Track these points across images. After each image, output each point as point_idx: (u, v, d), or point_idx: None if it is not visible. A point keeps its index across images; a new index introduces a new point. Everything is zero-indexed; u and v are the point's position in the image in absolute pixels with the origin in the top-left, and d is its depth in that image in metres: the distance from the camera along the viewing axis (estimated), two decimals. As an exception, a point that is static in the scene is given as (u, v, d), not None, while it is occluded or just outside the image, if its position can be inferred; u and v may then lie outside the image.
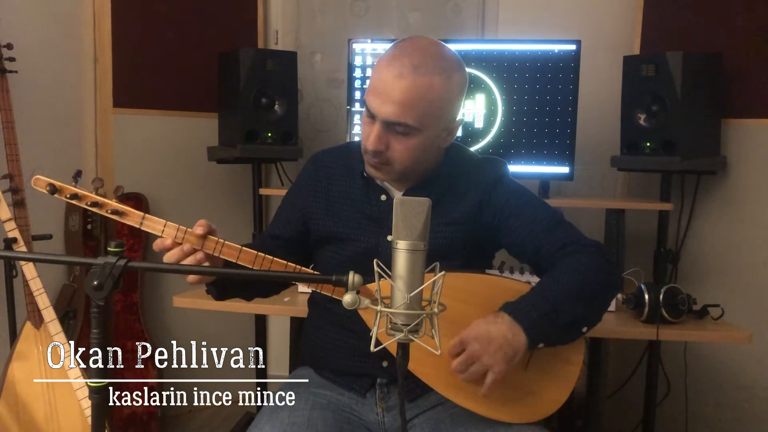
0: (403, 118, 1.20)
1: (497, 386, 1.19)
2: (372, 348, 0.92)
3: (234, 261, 1.19)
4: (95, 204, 1.14)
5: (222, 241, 1.17)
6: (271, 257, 1.20)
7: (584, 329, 1.23)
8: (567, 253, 1.26)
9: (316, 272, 1.26)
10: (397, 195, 1.35)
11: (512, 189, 1.37)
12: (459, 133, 2.27)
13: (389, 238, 1.31)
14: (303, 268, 1.22)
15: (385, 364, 1.33)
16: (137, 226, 1.16)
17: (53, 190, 1.12)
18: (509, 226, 1.33)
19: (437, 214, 0.93)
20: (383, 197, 1.36)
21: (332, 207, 1.39)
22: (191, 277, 1.18)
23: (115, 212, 1.15)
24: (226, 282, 1.30)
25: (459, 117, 1.30)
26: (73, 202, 1.13)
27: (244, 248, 1.19)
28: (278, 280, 1.38)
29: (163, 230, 1.16)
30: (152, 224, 1.16)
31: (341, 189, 1.40)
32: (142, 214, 1.16)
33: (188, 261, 1.16)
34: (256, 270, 1.19)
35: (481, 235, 1.34)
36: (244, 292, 1.41)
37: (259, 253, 1.19)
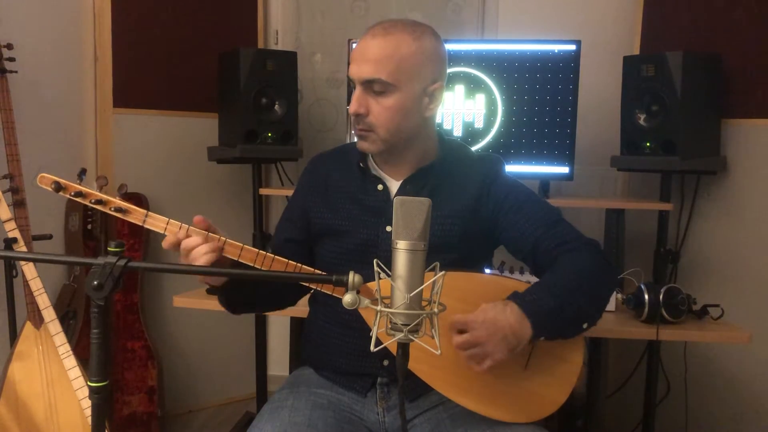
0: (377, 74, 1.25)
1: (498, 385, 1.19)
2: (372, 348, 0.92)
3: (236, 259, 1.19)
4: (99, 201, 1.16)
5: (223, 238, 1.18)
6: (273, 255, 1.20)
7: (585, 325, 1.23)
8: (566, 250, 1.27)
9: (316, 271, 1.26)
10: (394, 185, 1.37)
11: (511, 185, 1.38)
12: (459, 132, 2.28)
13: (389, 228, 1.32)
14: (304, 266, 1.22)
15: (386, 363, 1.33)
16: (140, 224, 1.17)
17: (58, 187, 1.14)
18: (508, 221, 1.33)
19: (434, 207, 0.93)
20: (380, 187, 1.37)
21: (330, 201, 1.40)
22: (204, 260, 1.16)
23: (119, 210, 1.16)
24: (236, 291, 1.29)
25: (438, 84, 1.31)
26: (78, 199, 1.15)
27: (245, 246, 1.19)
28: (277, 280, 1.38)
29: (165, 228, 1.17)
30: (155, 222, 1.17)
31: (338, 183, 1.41)
32: (145, 211, 1.17)
33: (204, 248, 1.15)
34: (256, 270, 1.19)
35: (478, 230, 1.35)
36: (257, 297, 1.39)
37: (260, 251, 1.19)
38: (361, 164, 1.38)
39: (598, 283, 1.26)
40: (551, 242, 1.29)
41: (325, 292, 1.22)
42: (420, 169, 1.36)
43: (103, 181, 1.18)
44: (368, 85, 1.27)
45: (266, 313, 2.51)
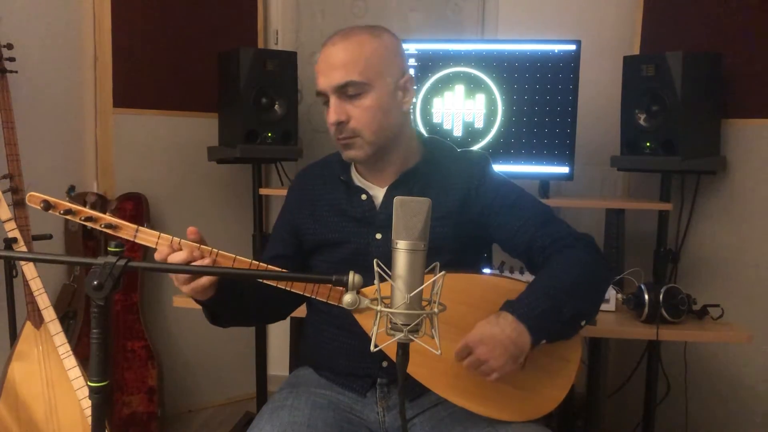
0: (347, 76, 1.25)
1: (496, 386, 1.19)
2: (372, 348, 0.92)
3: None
4: (89, 218, 1.16)
5: (216, 250, 1.18)
6: (266, 265, 1.20)
7: (583, 323, 1.23)
8: (559, 248, 1.26)
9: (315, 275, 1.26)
10: (379, 193, 1.36)
11: (500, 183, 1.37)
12: (459, 132, 2.28)
13: (378, 236, 1.32)
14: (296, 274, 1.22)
15: (384, 364, 1.33)
16: (131, 240, 1.17)
17: (47, 206, 1.15)
18: (500, 221, 1.33)
19: None
20: (363, 197, 1.37)
21: (319, 216, 1.40)
22: (186, 288, 1.17)
23: (109, 226, 1.17)
24: (223, 302, 1.27)
25: (408, 76, 1.32)
26: (68, 217, 1.16)
27: (238, 257, 1.19)
28: (276, 280, 1.37)
29: (156, 242, 1.17)
30: (146, 236, 1.18)
31: (324, 198, 1.41)
32: (135, 226, 1.17)
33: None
34: (254, 270, 1.19)
35: (469, 230, 1.34)
36: (244, 309, 1.37)
37: (253, 261, 1.19)
38: (341, 177, 1.38)
39: (593, 279, 1.26)
40: (544, 240, 1.28)
41: (320, 299, 1.21)
42: (404, 173, 1.35)
43: (93, 198, 1.19)
44: (342, 90, 1.26)
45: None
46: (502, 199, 1.34)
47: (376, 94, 1.27)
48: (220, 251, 1.18)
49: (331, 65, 1.26)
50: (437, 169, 1.37)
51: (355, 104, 1.27)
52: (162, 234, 1.17)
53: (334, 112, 1.28)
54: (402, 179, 1.35)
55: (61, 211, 1.16)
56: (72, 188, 1.21)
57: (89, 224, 1.16)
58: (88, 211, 1.16)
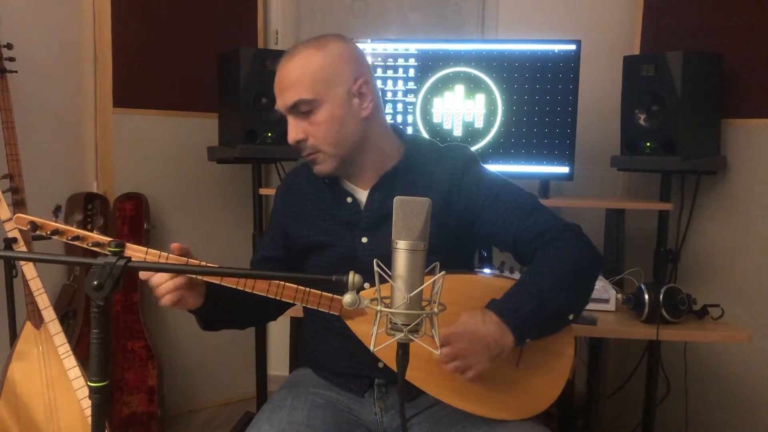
0: (297, 95, 1.26)
1: (491, 385, 1.19)
2: (372, 348, 0.92)
3: (217, 282, 1.19)
4: (77, 238, 1.17)
5: (204, 263, 1.18)
6: (257, 272, 1.20)
7: (571, 316, 1.22)
8: (546, 241, 1.25)
9: (315, 275, 1.26)
10: (363, 196, 1.36)
11: (482, 177, 1.35)
12: (459, 132, 2.28)
13: (364, 240, 1.32)
14: (289, 284, 1.21)
15: (381, 365, 1.33)
16: None
17: (34, 227, 1.16)
18: (483, 217, 1.31)
19: None
20: (349, 200, 1.37)
21: (306, 219, 1.40)
22: (165, 301, 1.17)
23: (97, 244, 1.17)
24: (214, 309, 1.27)
25: (362, 80, 1.30)
26: (55, 237, 1.16)
27: (223, 267, 1.19)
28: (275, 280, 1.37)
29: (145, 258, 1.17)
30: (134, 253, 1.17)
31: (311, 201, 1.41)
32: (123, 243, 1.17)
33: (168, 285, 1.16)
34: (253, 271, 1.19)
35: (455, 227, 1.32)
36: (235, 316, 1.39)
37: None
38: (326, 180, 1.38)
39: (579, 273, 1.24)
40: (530, 233, 1.27)
41: (311, 307, 1.21)
42: (384, 174, 1.34)
43: (80, 216, 1.19)
44: (295, 109, 1.28)
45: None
46: (485, 193, 1.32)
47: (328, 108, 1.27)
48: (207, 264, 1.18)
49: (282, 86, 1.29)
50: (419, 168, 1.36)
51: (309, 121, 1.28)
52: (150, 250, 1.17)
53: (291, 131, 1.30)
54: (383, 181, 1.34)
55: (48, 232, 1.16)
56: (58, 208, 1.21)
57: (77, 243, 1.17)
58: (76, 230, 1.17)
